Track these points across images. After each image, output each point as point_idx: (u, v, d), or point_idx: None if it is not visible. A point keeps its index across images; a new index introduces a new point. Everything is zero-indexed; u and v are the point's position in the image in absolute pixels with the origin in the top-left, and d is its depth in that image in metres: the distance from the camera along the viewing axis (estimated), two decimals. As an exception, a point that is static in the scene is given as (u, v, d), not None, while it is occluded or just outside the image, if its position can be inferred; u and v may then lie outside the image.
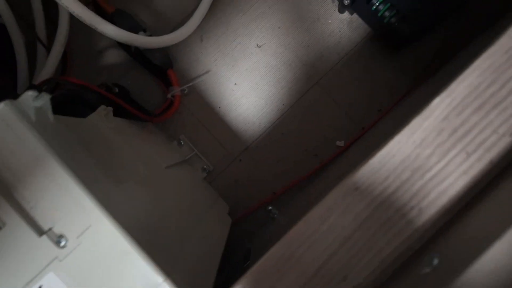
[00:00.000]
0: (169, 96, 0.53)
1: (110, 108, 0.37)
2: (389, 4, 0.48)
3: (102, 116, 0.35)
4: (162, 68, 0.53)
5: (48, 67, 0.47)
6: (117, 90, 0.54)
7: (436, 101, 0.19)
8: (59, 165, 0.23)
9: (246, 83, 0.55)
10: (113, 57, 0.55)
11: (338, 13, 0.55)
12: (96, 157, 0.29)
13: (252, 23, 0.55)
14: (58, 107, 0.40)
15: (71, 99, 0.41)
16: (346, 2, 0.50)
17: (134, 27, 0.52)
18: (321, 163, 0.55)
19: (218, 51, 0.55)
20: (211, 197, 0.52)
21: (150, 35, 0.53)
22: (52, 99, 0.41)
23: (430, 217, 0.18)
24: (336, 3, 0.55)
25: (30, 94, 0.24)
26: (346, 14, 0.55)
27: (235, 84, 0.55)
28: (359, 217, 0.18)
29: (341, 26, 0.55)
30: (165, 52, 0.53)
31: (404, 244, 0.17)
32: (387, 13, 0.48)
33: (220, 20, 0.55)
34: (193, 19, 0.52)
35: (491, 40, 0.19)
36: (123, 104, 0.44)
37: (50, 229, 0.24)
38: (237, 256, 0.47)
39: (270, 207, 0.56)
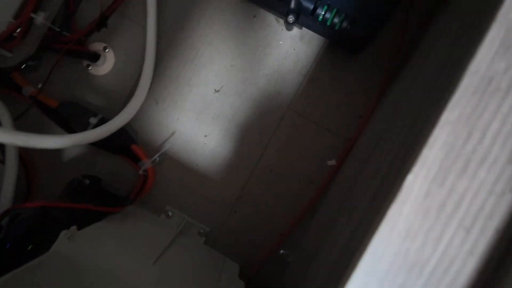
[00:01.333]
0: (141, 172, 0.50)
1: (73, 229, 0.34)
2: (335, 10, 0.44)
3: (65, 242, 0.32)
4: (125, 146, 0.50)
5: (6, 192, 0.44)
6: (88, 182, 0.51)
7: (410, 178, 0.15)
8: None
9: (216, 131, 0.52)
10: (74, 150, 0.52)
11: (286, 31, 0.51)
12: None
13: (203, 69, 0.52)
14: (24, 237, 0.37)
15: (37, 224, 0.38)
16: (290, 20, 0.46)
17: (84, 115, 0.49)
18: (319, 189, 0.51)
19: (177, 108, 0.52)
20: (217, 263, 0.49)
21: (102, 118, 0.49)
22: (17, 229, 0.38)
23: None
24: (282, 22, 0.51)
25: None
26: (295, 30, 0.51)
27: (206, 136, 0.52)
28: None
29: (294, 44, 0.51)
30: (123, 129, 0.49)
31: None
32: (336, 20, 0.45)
33: (169, 77, 0.52)
34: (140, 89, 0.49)
35: (451, 81, 0.15)
36: (91, 208, 0.41)
37: None
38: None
39: (282, 251, 0.52)
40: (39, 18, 0.47)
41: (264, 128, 0.52)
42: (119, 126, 0.46)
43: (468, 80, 0.15)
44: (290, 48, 0.52)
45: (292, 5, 0.45)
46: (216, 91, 0.52)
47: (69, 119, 0.49)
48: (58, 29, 0.49)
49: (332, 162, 0.51)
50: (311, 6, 0.45)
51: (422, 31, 0.47)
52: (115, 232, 0.40)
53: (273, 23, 0.51)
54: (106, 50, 0.52)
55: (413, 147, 0.16)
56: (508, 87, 0.15)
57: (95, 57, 0.51)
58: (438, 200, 0.15)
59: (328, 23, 0.45)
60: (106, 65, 0.52)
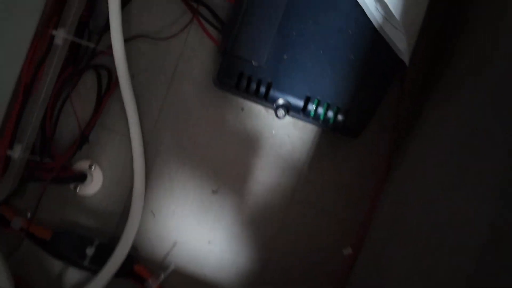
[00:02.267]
0: (148, 295, 0.47)
1: None
2: (326, 104, 0.41)
3: None
4: (127, 267, 0.47)
5: None
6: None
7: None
8: None
9: (220, 235, 0.49)
10: (74, 276, 0.49)
11: (278, 119, 0.48)
12: None
13: (196, 171, 0.49)
14: None
15: None
16: (281, 115, 0.43)
17: (79, 245, 0.46)
18: (337, 281, 0.48)
19: (176, 216, 0.49)
20: None
21: (99, 245, 0.46)
22: None
23: None
24: (271, 112, 0.48)
25: None
26: (287, 118, 0.48)
27: (209, 242, 0.49)
28: None
29: (288, 131, 0.48)
30: (122, 253, 0.46)
31: None
32: (330, 114, 0.42)
33: (163, 185, 0.49)
34: (134, 207, 0.46)
35: None
36: None
37: None
38: None
39: None
40: (16, 153, 0.45)
41: (270, 224, 0.49)
42: (124, 256, 0.43)
43: None
44: (284, 136, 0.48)
45: (281, 102, 0.43)
46: (214, 192, 0.49)
47: (64, 251, 0.46)
48: (38, 159, 0.47)
49: (348, 251, 0.48)
50: (301, 104, 0.42)
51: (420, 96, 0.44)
52: None
53: (262, 113, 0.48)
54: (92, 168, 0.49)
55: None
56: None
57: (81, 178, 0.48)
58: None
59: (322, 118, 0.42)
60: (94, 184, 0.49)
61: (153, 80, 0.49)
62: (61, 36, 0.44)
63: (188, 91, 0.49)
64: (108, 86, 0.49)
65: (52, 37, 0.45)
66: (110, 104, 0.49)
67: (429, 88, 0.45)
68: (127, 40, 0.48)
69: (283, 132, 0.48)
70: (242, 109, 0.48)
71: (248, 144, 0.49)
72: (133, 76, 0.49)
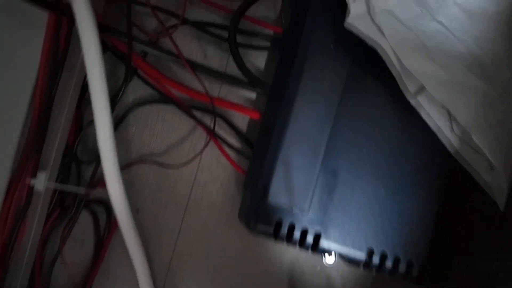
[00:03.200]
0: None
1: None
2: (394, 257, 0.31)
3: None
4: None
5: None
6: None
7: None
8: None
9: None
10: None
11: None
12: None
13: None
14: None
15: None
16: (331, 264, 0.34)
17: None
18: None
19: None
20: None
21: None
22: None
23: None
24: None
25: None
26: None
27: None
28: None
29: (336, 265, 0.39)
30: None
31: None
32: (401, 268, 0.32)
33: None
34: None
35: None
36: None
37: None
38: None
39: None
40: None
41: None
42: None
43: None
44: (332, 271, 0.39)
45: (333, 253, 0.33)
46: None
47: None
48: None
49: None
50: (362, 257, 0.32)
51: None
52: None
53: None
54: (97, 329, 0.39)
55: None
56: None
57: None
58: None
59: (389, 273, 0.32)
60: None
61: (162, 212, 0.39)
62: (42, 183, 0.35)
63: (206, 221, 0.39)
64: (107, 225, 0.39)
65: (32, 187, 0.35)
66: (112, 246, 0.39)
67: None
68: (126, 167, 0.38)
69: (330, 267, 0.39)
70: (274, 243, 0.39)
71: (287, 284, 0.39)
72: (137, 211, 0.39)
